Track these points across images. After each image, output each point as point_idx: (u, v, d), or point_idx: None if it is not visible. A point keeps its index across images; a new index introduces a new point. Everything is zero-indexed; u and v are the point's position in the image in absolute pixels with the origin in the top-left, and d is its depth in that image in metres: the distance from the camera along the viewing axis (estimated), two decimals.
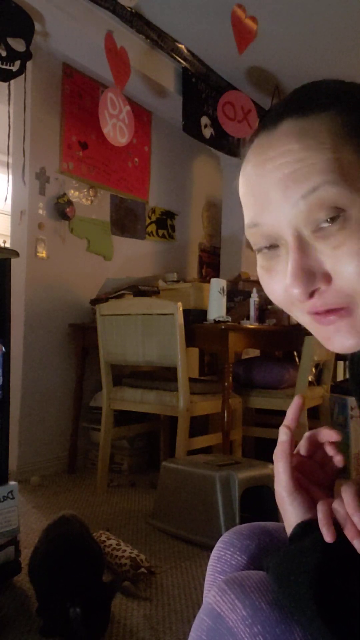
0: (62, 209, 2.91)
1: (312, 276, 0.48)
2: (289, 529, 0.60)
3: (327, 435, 0.63)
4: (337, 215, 0.46)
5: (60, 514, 1.51)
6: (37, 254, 2.81)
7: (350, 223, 0.46)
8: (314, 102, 0.50)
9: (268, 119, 0.52)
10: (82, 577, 1.30)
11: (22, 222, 2.80)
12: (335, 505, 0.53)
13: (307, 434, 0.66)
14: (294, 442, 0.64)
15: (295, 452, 0.65)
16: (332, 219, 0.46)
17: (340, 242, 0.46)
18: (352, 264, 0.46)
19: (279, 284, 0.51)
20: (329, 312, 0.49)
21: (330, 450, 0.63)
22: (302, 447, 0.66)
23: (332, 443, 0.63)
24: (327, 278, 0.48)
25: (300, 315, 0.52)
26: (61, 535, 1.42)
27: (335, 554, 0.50)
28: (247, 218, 0.53)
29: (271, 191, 0.49)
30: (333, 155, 0.47)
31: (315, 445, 0.65)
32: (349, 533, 0.49)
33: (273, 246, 0.51)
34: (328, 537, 0.50)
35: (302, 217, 0.48)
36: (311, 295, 0.48)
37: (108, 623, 1.33)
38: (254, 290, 2.84)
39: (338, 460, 0.62)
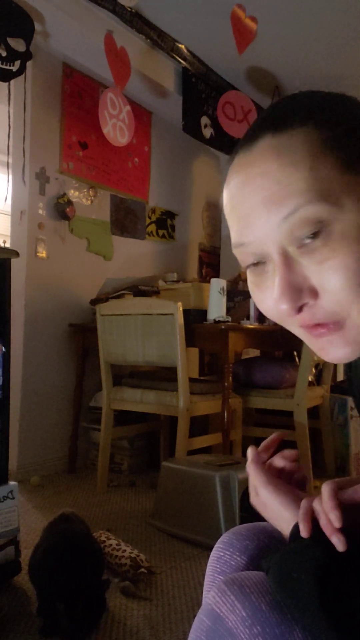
0: (62, 209, 2.91)
1: (298, 292, 0.48)
2: (281, 524, 0.63)
3: (281, 461, 0.69)
4: (319, 230, 0.47)
5: (61, 511, 1.51)
6: (37, 254, 2.81)
7: (332, 238, 0.47)
8: (290, 117, 0.50)
9: (247, 136, 0.53)
10: (81, 575, 1.31)
11: (22, 222, 2.80)
12: (315, 503, 0.55)
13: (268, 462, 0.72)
14: (263, 460, 0.71)
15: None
16: (315, 235, 0.47)
17: (324, 257, 0.47)
18: (336, 278, 0.47)
19: (270, 300, 0.51)
20: (319, 325, 0.49)
21: (289, 468, 0.69)
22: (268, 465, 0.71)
23: (292, 461, 0.69)
24: (314, 293, 0.48)
25: (293, 328, 0.53)
26: (61, 532, 1.42)
27: (337, 551, 0.50)
28: (233, 237, 0.54)
29: (254, 212, 0.50)
30: (310, 173, 0.47)
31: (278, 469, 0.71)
32: (326, 530, 0.51)
33: (261, 262, 0.52)
34: (304, 532, 0.53)
35: (285, 236, 0.48)
36: (300, 310, 0.49)
37: (98, 619, 1.34)
38: None
39: (300, 474, 0.69)
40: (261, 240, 0.50)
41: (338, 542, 0.50)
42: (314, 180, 0.47)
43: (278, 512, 0.64)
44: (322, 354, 0.52)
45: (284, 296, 0.48)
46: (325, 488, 0.54)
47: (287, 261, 0.49)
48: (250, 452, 0.70)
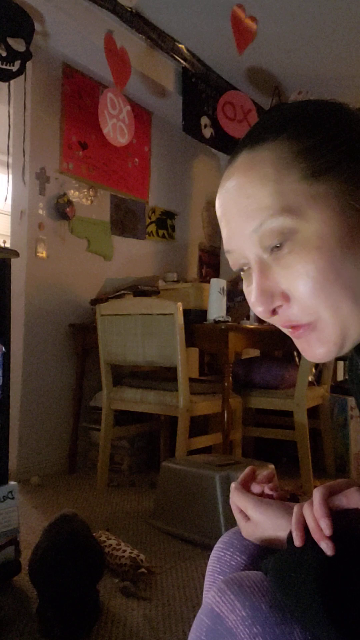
0: (62, 209, 2.91)
1: (271, 296, 0.53)
2: (279, 533, 0.63)
3: (257, 487, 0.72)
4: (284, 240, 0.51)
5: (61, 512, 1.51)
6: (37, 254, 2.81)
7: (297, 246, 0.51)
8: (265, 131, 0.54)
9: (234, 150, 0.58)
10: (79, 577, 1.31)
11: (22, 222, 2.80)
12: (305, 508, 0.56)
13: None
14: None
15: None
16: (281, 244, 0.51)
17: (289, 264, 0.51)
18: (301, 283, 0.51)
19: None
20: (297, 326, 0.54)
21: (267, 491, 0.71)
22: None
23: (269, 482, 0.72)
24: (286, 297, 0.53)
25: (279, 326, 0.57)
26: (62, 532, 1.42)
27: (340, 552, 0.50)
28: (224, 244, 0.59)
29: (233, 224, 0.55)
30: (275, 187, 0.51)
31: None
32: (315, 535, 0.52)
33: (247, 267, 0.57)
34: (297, 541, 0.54)
35: (258, 245, 0.53)
36: (274, 312, 0.54)
37: (93, 623, 1.34)
38: None
39: (279, 494, 0.71)
40: (241, 248, 0.55)
41: (327, 548, 0.50)
42: (279, 194, 0.51)
43: (274, 524, 0.65)
44: (304, 353, 0.56)
45: (257, 300, 0.53)
46: (316, 494, 0.55)
47: (262, 268, 0.53)
48: (232, 485, 0.72)
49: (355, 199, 0.50)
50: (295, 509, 0.58)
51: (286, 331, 0.56)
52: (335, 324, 0.51)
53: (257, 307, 0.53)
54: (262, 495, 0.71)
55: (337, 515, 0.53)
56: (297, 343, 0.56)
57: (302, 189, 0.50)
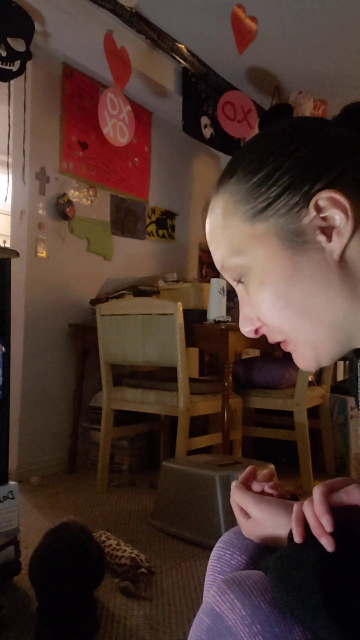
0: (62, 209, 2.91)
1: (251, 320, 0.60)
2: (279, 530, 0.64)
3: (258, 485, 0.72)
4: (242, 275, 0.58)
5: (63, 519, 1.49)
6: (37, 254, 2.81)
7: (249, 280, 0.57)
8: (225, 173, 0.59)
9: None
10: (77, 583, 1.30)
11: (22, 222, 2.80)
12: (305, 506, 0.56)
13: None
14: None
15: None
16: (242, 279, 0.58)
17: (251, 295, 0.58)
18: (262, 312, 0.57)
19: None
20: (280, 342, 0.59)
21: (267, 489, 0.72)
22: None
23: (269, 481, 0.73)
24: (260, 320, 0.59)
25: None
26: (58, 539, 1.41)
27: (341, 549, 0.50)
28: None
29: (213, 256, 0.63)
30: (224, 231, 0.58)
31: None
32: (315, 532, 0.52)
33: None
34: (297, 537, 0.55)
35: (231, 279, 0.61)
36: (257, 331, 0.60)
37: (91, 634, 1.33)
38: None
39: (279, 492, 0.72)
40: (226, 278, 0.63)
41: (327, 544, 0.50)
42: (228, 238, 0.58)
43: (274, 522, 0.65)
44: (296, 362, 0.61)
45: (241, 324, 0.61)
46: (316, 492, 0.55)
47: (241, 296, 0.61)
48: (233, 484, 0.73)
49: (293, 232, 0.53)
50: (296, 506, 0.58)
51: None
52: (301, 343, 0.57)
53: (243, 328, 0.61)
54: (262, 493, 0.71)
55: (337, 512, 0.53)
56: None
57: (245, 231, 0.56)
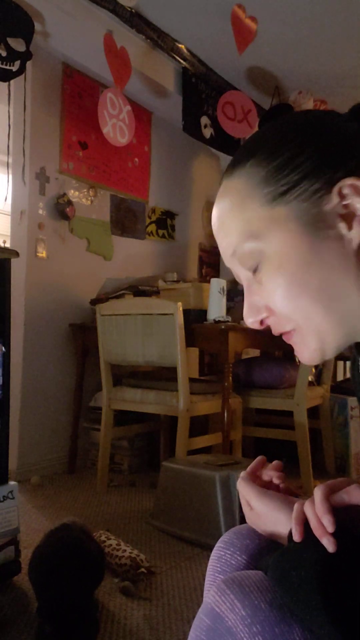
0: (62, 209, 2.91)
1: (258, 310, 0.59)
2: (279, 527, 0.64)
3: (267, 475, 0.74)
4: (257, 261, 0.57)
5: (63, 520, 1.49)
6: (37, 254, 2.81)
7: (265, 265, 0.56)
8: (239, 157, 0.58)
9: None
10: (71, 583, 1.30)
11: (22, 222, 2.80)
12: (305, 506, 0.56)
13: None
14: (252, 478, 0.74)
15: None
16: (256, 265, 0.57)
17: (263, 282, 0.57)
18: (275, 299, 0.56)
19: None
20: (286, 332, 0.58)
21: (275, 479, 0.73)
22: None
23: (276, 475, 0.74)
24: (269, 309, 0.58)
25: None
26: (59, 539, 1.40)
27: (341, 549, 0.50)
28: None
29: (220, 247, 0.61)
30: (241, 215, 0.57)
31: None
32: (316, 532, 0.52)
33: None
34: (296, 536, 0.55)
35: (240, 267, 0.59)
36: (262, 322, 0.59)
37: (92, 635, 1.33)
38: None
39: (285, 485, 0.73)
40: (232, 268, 0.61)
41: (328, 544, 0.50)
42: (244, 222, 0.56)
43: (274, 518, 0.66)
44: (297, 356, 0.60)
45: (247, 314, 0.60)
46: (317, 492, 0.55)
47: (248, 285, 0.60)
48: (241, 474, 0.74)
49: (314, 217, 0.53)
50: (296, 505, 0.58)
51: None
52: (310, 333, 0.56)
53: (248, 319, 0.60)
54: (269, 483, 0.72)
55: (338, 512, 0.53)
56: (293, 346, 0.60)
57: (264, 215, 0.55)
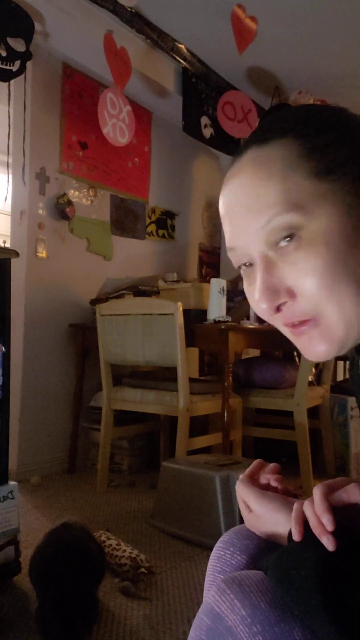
0: (62, 209, 2.91)
1: (276, 292, 0.53)
2: (279, 528, 0.64)
3: (265, 478, 0.73)
4: (291, 236, 0.52)
5: (63, 520, 1.50)
6: (37, 254, 2.81)
7: (303, 242, 0.51)
8: (272, 130, 0.55)
9: (239, 147, 0.58)
10: (73, 582, 1.30)
11: (22, 222, 2.80)
12: (305, 506, 0.56)
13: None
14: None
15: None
16: (288, 239, 0.52)
17: (296, 260, 0.52)
18: (308, 280, 0.51)
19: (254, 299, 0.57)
20: (300, 323, 0.54)
21: (273, 482, 0.72)
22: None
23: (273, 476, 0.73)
24: (291, 293, 0.53)
25: (279, 326, 0.58)
26: (58, 539, 1.41)
27: (341, 549, 0.50)
28: (226, 242, 0.59)
29: (238, 220, 0.56)
30: (283, 185, 0.52)
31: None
32: (316, 531, 0.52)
33: (250, 264, 0.57)
34: (296, 535, 0.55)
35: (264, 242, 0.54)
36: (278, 309, 0.54)
37: (90, 627, 1.33)
38: None
39: (283, 486, 0.72)
40: (246, 245, 0.55)
41: (328, 543, 0.50)
42: (286, 191, 0.52)
43: (273, 519, 0.66)
44: (304, 353, 0.56)
45: (262, 296, 0.53)
46: (316, 491, 0.55)
47: (267, 264, 0.54)
48: (240, 477, 0.74)
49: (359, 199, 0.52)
50: (296, 505, 0.58)
51: (285, 330, 0.57)
52: (339, 320, 0.52)
53: (262, 304, 0.54)
54: (267, 486, 0.72)
55: (337, 512, 0.53)
56: (298, 341, 0.56)
57: (309, 187, 0.51)
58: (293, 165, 0.52)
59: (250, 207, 0.54)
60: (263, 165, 0.54)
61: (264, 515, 0.67)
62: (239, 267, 0.59)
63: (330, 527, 0.51)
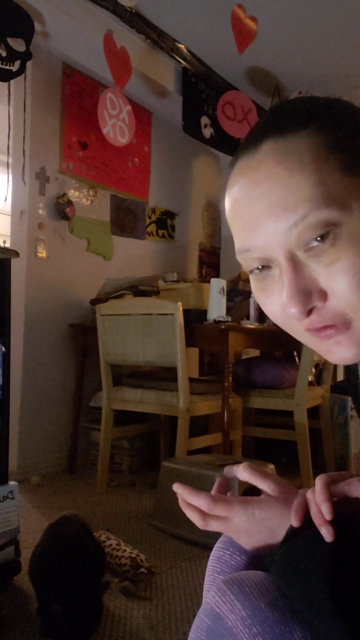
0: (62, 209, 2.91)
1: (308, 295, 0.48)
2: (282, 529, 0.61)
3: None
4: (327, 233, 0.47)
5: (62, 514, 1.51)
6: (37, 254, 2.81)
7: (340, 240, 0.47)
8: (293, 121, 0.50)
9: (248, 141, 0.53)
10: (76, 577, 1.30)
11: (22, 222, 2.80)
12: (308, 494, 0.56)
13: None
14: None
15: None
16: (323, 238, 0.47)
17: (332, 260, 0.47)
18: (345, 280, 0.47)
19: (276, 304, 0.52)
20: (327, 327, 0.50)
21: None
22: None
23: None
24: (323, 295, 0.49)
25: (300, 333, 0.53)
26: (59, 534, 1.42)
27: (343, 542, 0.50)
28: (238, 242, 0.53)
29: (261, 217, 0.50)
30: (317, 177, 0.47)
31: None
32: (315, 520, 0.52)
33: (266, 267, 0.52)
34: (294, 521, 0.54)
35: (294, 240, 0.48)
36: (309, 313, 0.49)
37: (97, 621, 1.34)
38: None
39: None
40: (268, 245, 0.50)
41: (327, 533, 0.50)
42: (320, 184, 0.47)
43: (274, 520, 0.61)
44: (329, 356, 0.52)
45: (293, 300, 0.48)
46: (319, 481, 0.55)
47: (295, 265, 0.49)
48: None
49: None
50: (299, 492, 0.58)
51: (306, 335, 0.53)
52: None
53: (291, 309, 0.48)
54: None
55: (344, 506, 0.53)
56: (320, 345, 0.52)
57: (345, 181, 0.47)
58: (324, 158, 0.48)
59: (279, 202, 0.48)
60: (290, 156, 0.48)
61: (260, 518, 0.63)
62: (251, 272, 0.54)
63: (328, 516, 0.51)
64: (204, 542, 1.87)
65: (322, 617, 0.48)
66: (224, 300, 2.61)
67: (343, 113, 0.51)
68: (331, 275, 0.48)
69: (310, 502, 0.55)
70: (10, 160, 2.84)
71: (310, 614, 0.50)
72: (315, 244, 0.48)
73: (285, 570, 0.54)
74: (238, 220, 0.53)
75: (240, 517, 0.61)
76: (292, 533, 0.56)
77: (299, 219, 0.47)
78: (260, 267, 0.52)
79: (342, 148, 0.48)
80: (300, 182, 0.47)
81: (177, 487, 0.65)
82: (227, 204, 0.54)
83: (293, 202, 0.47)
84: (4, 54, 2.39)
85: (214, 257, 4.33)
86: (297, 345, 2.74)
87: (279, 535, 0.59)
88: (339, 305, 0.48)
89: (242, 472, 0.65)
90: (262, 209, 0.49)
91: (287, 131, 0.50)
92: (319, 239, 0.47)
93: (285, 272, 0.49)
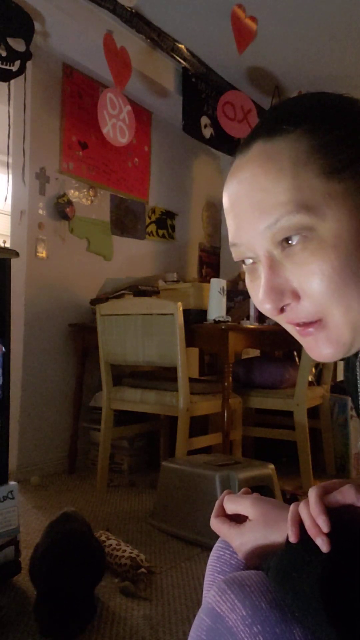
0: (62, 209, 2.91)
1: (280, 294, 0.52)
2: (281, 534, 0.61)
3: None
4: (299, 236, 0.50)
5: (62, 510, 1.51)
6: (37, 254, 2.81)
7: (312, 243, 0.50)
8: (282, 123, 0.52)
9: (245, 140, 0.56)
10: (77, 575, 1.31)
11: (22, 222, 2.80)
12: (301, 507, 0.56)
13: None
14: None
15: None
16: (294, 240, 0.50)
17: (303, 261, 0.50)
18: (314, 282, 0.50)
19: (257, 297, 0.55)
20: (306, 324, 0.53)
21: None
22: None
23: None
24: (296, 295, 0.52)
25: (284, 324, 0.57)
26: (60, 532, 1.42)
27: (336, 550, 0.50)
28: (229, 236, 0.57)
29: (243, 216, 0.53)
30: (292, 182, 0.50)
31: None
32: (311, 532, 0.52)
33: (253, 261, 0.56)
34: (292, 537, 0.54)
35: (270, 241, 0.52)
36: (282, 310, 0.53)
37: (88, 620, 1.34)
38: None
39: None
40: (250, 242, 0.54)
41: (322, 544, 0.50)
42: (296, 190, 0.49)
43: (272, 523, 0.63)
44: (310, 352, 0.55)
45: (266, 297, 0.52)
46: (311, 493, 0.55)
47: (272, 264, 0.52)
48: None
49: None
50: (292, 507, 0.58)
51: (290, 328, 0.56)
52: (345, 324, 0.51)
53: (265, 305, 0.52)
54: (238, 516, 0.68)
55: (338, 514, 0.53)
56: (304, 341, 0.55)
57: (320, 186, 0.49)
58: (304, 162, 0.50)
59: (258, 203, 0.51)
60: (272, 160, 0.51)
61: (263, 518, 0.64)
62: (242, 263, 0.57)
63: (326, 528, 0.51)
64: (204, 542, 1.87)
65: (318, 625, 0.48)
66: (224, 300, 2.62)
67: (336, 115, 0.52)
68: (302, 276, 0.51)
69: (304, 515, 0.54)
70: (10, 160, 2.84)
71: (306, 621, 0.50)
72: (290, 244, 0.51)
73: (280, 577, 0.54)
74: (229, 216, 0.56)
75: (234, 544, 0.66)
76: (287, 541, 0.57)
77: (273, 221, 0.50)
78: (249, 261, 0.56)
79: (326, 152, 0.50)
80: (277, 187, 0.50)
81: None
82: (223, 199, 0.58)
83: (269, 206, 0.50)
84: (4, 54, 2.39)
85: (214, 257, 4.33)
86: (297, 345, 2.74)
87: (267, 555, 0.60)
88: (310, 306, 0.51)
89: (226, 504, 0.70)
90: (245, 209, 0.53)
91: (274, 133, 0.52)
92: (290, 241, 0.50)
93: (262, 269, 0.53)
